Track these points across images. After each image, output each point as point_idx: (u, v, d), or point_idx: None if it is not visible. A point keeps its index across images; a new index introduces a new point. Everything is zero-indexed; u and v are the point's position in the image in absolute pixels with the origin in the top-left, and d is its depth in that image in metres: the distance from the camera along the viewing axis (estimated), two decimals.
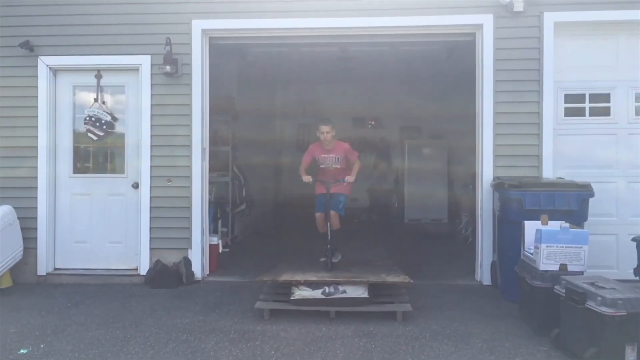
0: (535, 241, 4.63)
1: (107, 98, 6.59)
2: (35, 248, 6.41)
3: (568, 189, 5.30)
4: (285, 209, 11.69)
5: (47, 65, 6.44)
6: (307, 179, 6.11)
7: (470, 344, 4.34)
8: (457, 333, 4.57)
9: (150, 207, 6.36)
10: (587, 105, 6.19)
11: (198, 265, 6.36)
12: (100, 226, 6.55)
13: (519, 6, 5.95)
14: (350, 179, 6.01)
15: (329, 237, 5.85)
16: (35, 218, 6.42)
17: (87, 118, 6.48)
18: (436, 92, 11.42)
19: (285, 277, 5.22)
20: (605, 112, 6.17)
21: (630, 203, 6.07)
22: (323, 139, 6.06)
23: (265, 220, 10.73)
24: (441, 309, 5.24)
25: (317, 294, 5.05)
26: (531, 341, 4.38)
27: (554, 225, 4.69)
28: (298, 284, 5.12)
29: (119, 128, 6.58)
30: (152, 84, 6.36)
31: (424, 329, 4.65)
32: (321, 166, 6.24)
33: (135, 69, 6.43)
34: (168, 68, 6.19)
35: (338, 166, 6.16)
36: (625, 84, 6.11)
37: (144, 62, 6.35)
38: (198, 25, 6.33)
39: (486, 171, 6.14)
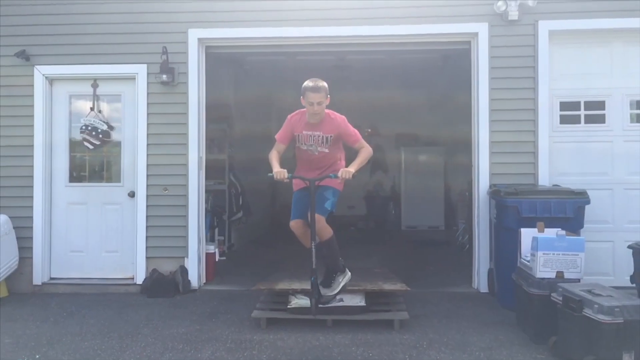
0: (532, 249, 4.63)
1: (104, 107, 6.58)
2: (31, 257, 6.37)
3: (564, 197, 5.31)
4: (282, 217, 11.64)
5: (43, 75, 6.43)
6: (280, 174, 4.29)
7: (467, 352, 4.33)
8: (455, 341, 4.56)
9: (147, 216, 6.34)
10: (582, 112, 6.20)
11: (195, 274, 6.33)
12: (96, 235, 6.53)
13: (514, 15, 5.97)
14: (346, 173, 4.25)
15: (314, 258, 4.33)
16: (31, 227, 6.39)
17: (84, 127, 6.48)
18: (433, 100, 11.49)
19: (282, 285, 5.21)
20: (601, 119, 6.18)
21: (626, 210, 6.08)
22: (312, 112, 4.45)
23: (262, 229, 10.71)
24: (438, 316, 5.23)
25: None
26: (528, 349, 4.37)
27: (551, 232, 4.69)
28: (295, 292, 5.10)
29: (115, 137, 6.57)
30: (148, 93, 6.36)
31: (421, 337, 4.64)
32: (301, 147, 4.59)
33: (131, 78, 6.42)
34: (164, 77, 6.20)
35: (326, 150, 4.50)
36: (619, 92, 6.13)
37: (141, 71, 6.35)
38: (194, 35, 6.33)
39: (482, 181, 6.14)
